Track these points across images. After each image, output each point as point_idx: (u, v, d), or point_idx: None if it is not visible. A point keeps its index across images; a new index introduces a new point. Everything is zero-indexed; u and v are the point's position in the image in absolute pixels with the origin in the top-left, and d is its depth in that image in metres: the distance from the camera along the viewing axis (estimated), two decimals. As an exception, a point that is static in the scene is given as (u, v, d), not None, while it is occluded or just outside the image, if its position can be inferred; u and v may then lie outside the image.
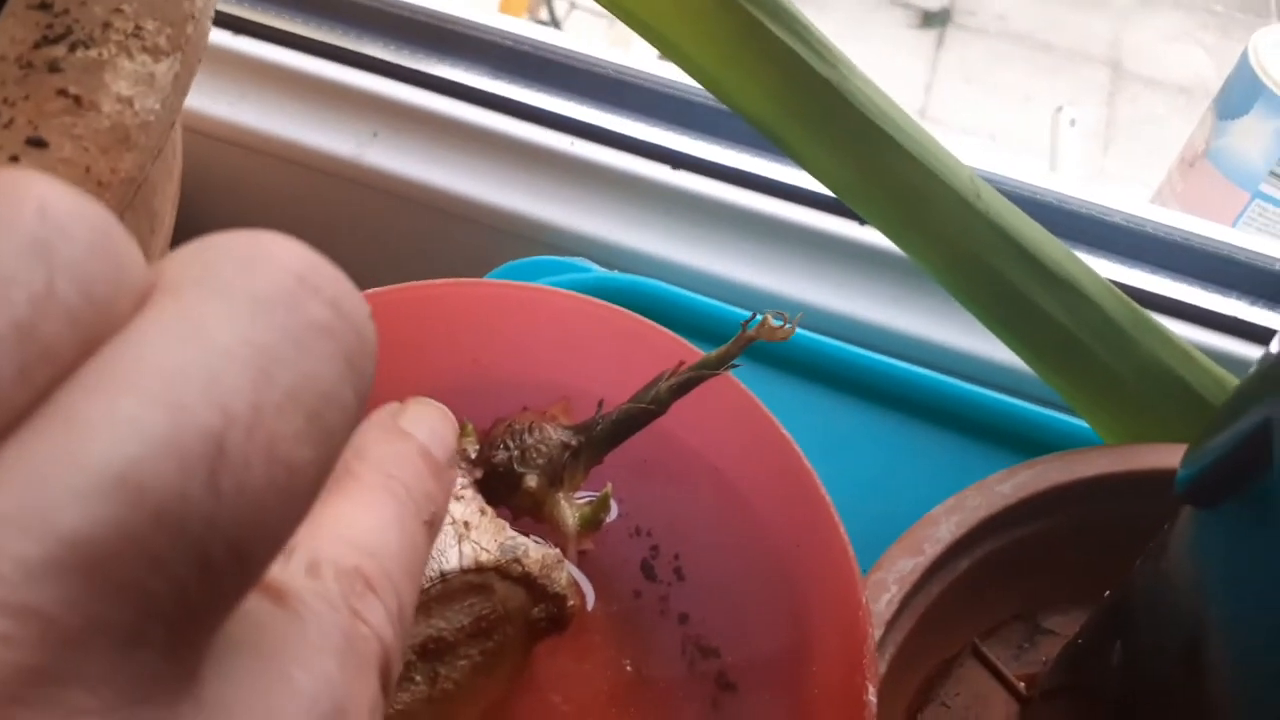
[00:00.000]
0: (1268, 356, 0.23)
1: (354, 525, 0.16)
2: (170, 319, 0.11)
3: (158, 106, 0.23)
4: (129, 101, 0.22)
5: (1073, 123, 1.45)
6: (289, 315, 0.12)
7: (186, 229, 0.37)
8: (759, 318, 0.31)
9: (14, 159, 0.20)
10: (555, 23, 1.38)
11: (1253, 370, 0.24)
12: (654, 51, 0.42)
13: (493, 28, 0.46)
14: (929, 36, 1.76)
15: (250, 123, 0.46)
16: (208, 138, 0.46)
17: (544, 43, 0.46)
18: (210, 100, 0.46)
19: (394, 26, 0.47)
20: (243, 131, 0.46)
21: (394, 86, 0.45)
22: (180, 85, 0.24)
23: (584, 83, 0.45)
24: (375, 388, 0.35)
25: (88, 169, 0.21)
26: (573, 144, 0.44)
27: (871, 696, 0.27)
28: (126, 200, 0.23)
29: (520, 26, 0.47)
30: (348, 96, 0.46)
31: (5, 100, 0.21)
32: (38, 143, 0.21)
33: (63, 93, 0.22)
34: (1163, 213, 0.45)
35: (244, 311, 0.12)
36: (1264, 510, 0.22)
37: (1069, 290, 0.34)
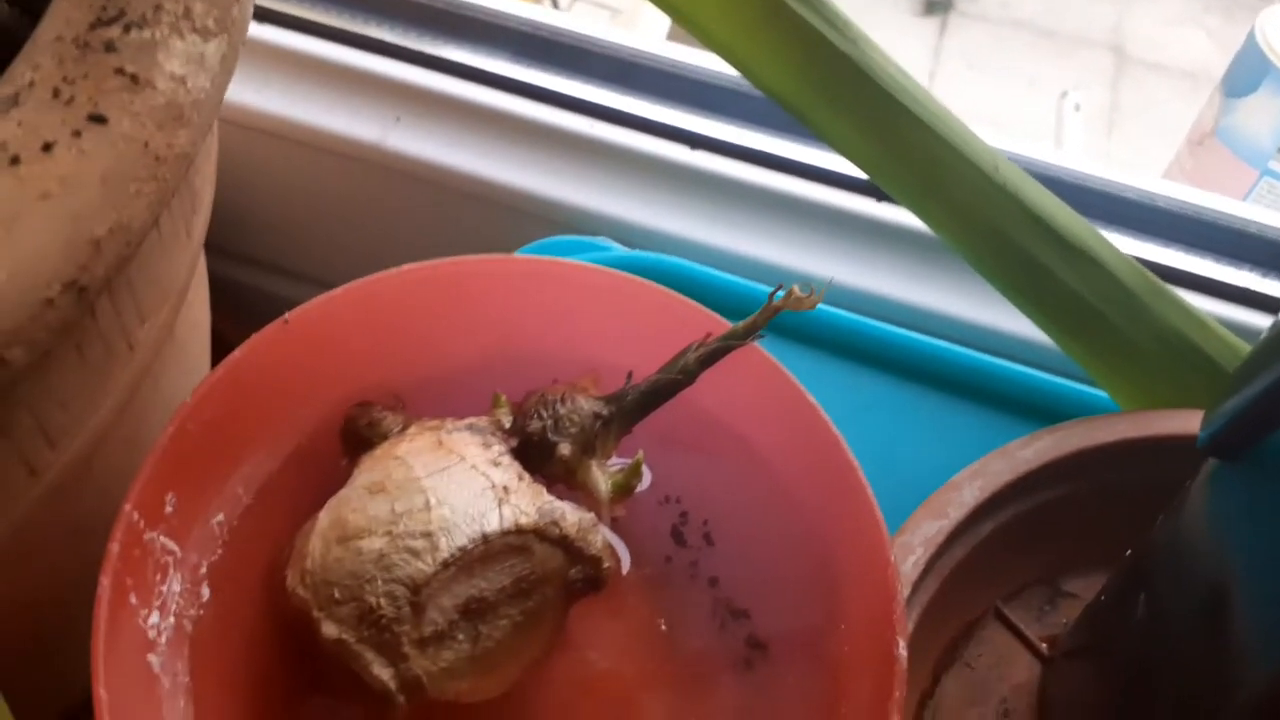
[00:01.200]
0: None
1: None
2: None
3: (208, 85, 0.24)
4: (182, 80, 0.23)
5: (1077, 107, 1.45)
6: None
7: (213, 215, 0.38)
8: (785, 288, 0.31)
9: (77, 134, 0.21)
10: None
11: (1272, 329, 0.25)
12: (662, 34, 0.43)
13: (511, 14, 0.47)
14: (932, 24, 1.76)
15: (275, 109, 0.47)
16: (233, 125, 0.47)
17: (562, 28, 0.47)
18: (235, 87, 0.47)
19: (416, 13, 0.47)
20: (268, 118, 0.47)
21: (417, 72, 0.46)
22: (227, 66, 0.25)
23: (602, 66, 0.46)
24: (413, 361, 0.35)
25: (146, 144, 0.22)
26: (592, 126, 0.45)
27: (902, 650, 0.28)
28: (181, 175, 0.24)
29: (539, 13, 0.47)
30: (371, 82, 0.46)
31: (65, 79, 0.22)
32: (99, 119, 0.22)
33: (120, 71, 0.22)
34: (1175, 187, 0.45)
35: None
36: (1277, 462, 0.23)
37: (1086, 260, 0.34)
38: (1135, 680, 0.29)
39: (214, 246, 0.38)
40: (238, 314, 0.45)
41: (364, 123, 0.46)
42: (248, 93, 0.47)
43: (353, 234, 0.50)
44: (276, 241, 0.52)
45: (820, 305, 0.43)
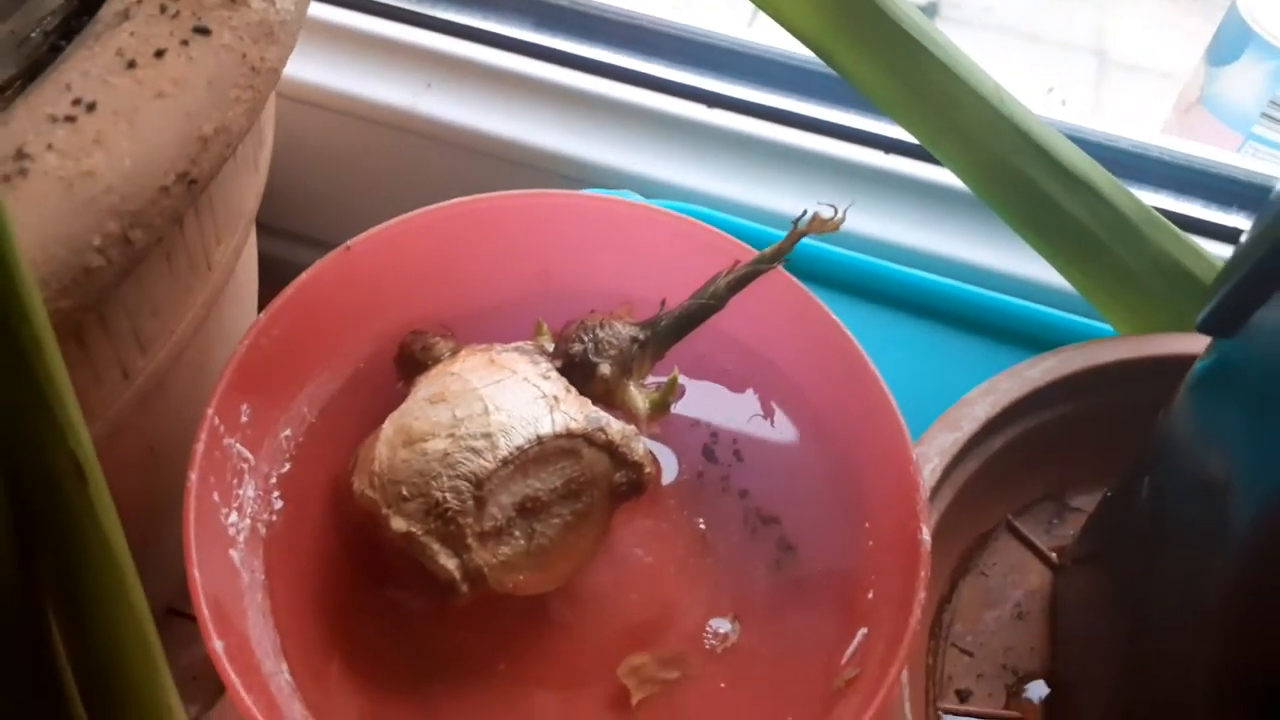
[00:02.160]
0: (1274, 200, 0.26)
1: None
2: None
3: (292, 8, 0.26)
4: (272, 1, 0.25)
5: (1064, 103, 1.49)
6: None
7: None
8: (809, 213, 0.34)
9: (184, 43, 0.24)
10: None
11: (1256, 223, 0.27)
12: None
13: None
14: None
15: (310, 78, 0.49)
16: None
17: (582, -2, 0.49)
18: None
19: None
20: (302, 86, 0.49)
21: (446, 40, 0.49)
22: (305, -6, 0.27)
23: (622, 32, 0.48)
24: (461, 293, 0.37)
25: (244, 55, 0.25)
26: (614, 88, 0.48)
27: (926, 535, 0.30)
28: (270, 89, 0.26)
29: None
30: (402, 51, 0.49)
31: (170, -3, 0.24)
32: (202, 30, 0.24)
33: (218, -10, 0.25)
34: (1169, 139, 0.48)
35: None
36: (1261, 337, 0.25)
37: (1086, 189, 0.37)
38: (1138, 568, 0.32)
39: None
40: (265, 285, 0.47)
41: (396, 89, 0.48)
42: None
43: (383, 200, 0.52)
44: (309, 211, 0.54)
45: (833, 249, 0.45)
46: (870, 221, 0.45)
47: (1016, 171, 0.36)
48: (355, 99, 0.49)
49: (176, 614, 0.45)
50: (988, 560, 0.38)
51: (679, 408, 0.37)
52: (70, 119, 0.22)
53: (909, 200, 0.46)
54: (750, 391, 0.37)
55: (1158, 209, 0.45)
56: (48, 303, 0.20)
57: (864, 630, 0.30)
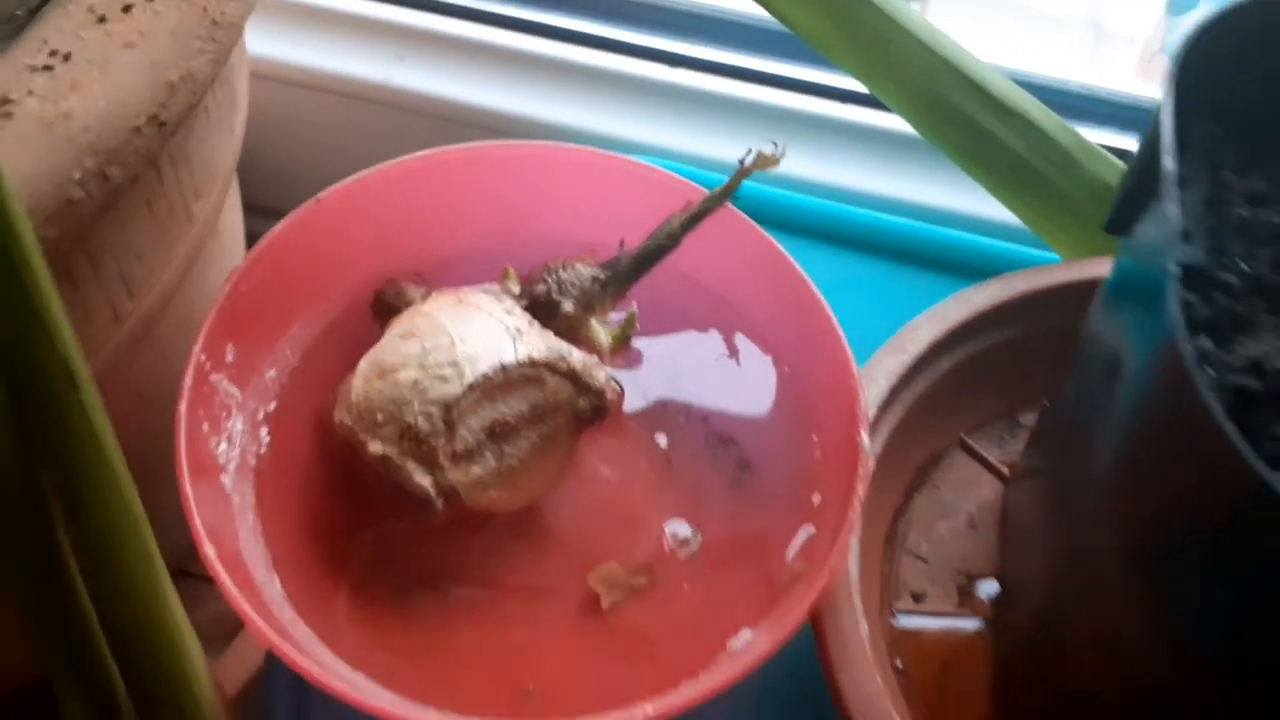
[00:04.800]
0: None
1: None
2: None
3: (252, -32, 0.28)
4: (232, -41, 0.28)
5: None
6: None
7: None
8: (753, 152, 0.36)
9: (151, -1, 0.26)
10: None
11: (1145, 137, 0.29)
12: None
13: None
14: (914, 4, 1.80)
15: (286, 56, 0.51)
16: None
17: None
18: (247, 37, 0.51)
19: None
20: (279, 65, 0.51)
21: (416, 15, 0.51)
22: (265, -44, 0.30)
23: (586, 1, 0.51)
24: (430, 244, 0.39)
25: (205, 9, 0.27)
26: (580, 53, 0.50)
27: (864, 438, 0.32)
28: (232, 43, 0.28)
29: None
30: (375, 26, 0.51)
31: (136, -45, 0.27)
32: (167, -14, 0.26)
33: (181, -49, 0.27)
34: (1144, 86, 0.50)
35: None
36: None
37: (1021, 121, 0.39)
38: (1064, 462, 0.33)
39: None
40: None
41: (369, 63, 0.51)
42: (262, 43, 0.51)
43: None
44: (288, 187, 0.56)
45: (786, 192, 0.47)
46: (822, 167, 0.47)
47: (953, 106, 0.38)
48: (330, 75, 0.51)
49: (181, 573, 0.47)
50: (941, 475, 0.40)
51: (643, 345, 0.39)
52: (48, 68, 0.24)
53: (858, 145, 0.48)
54: (712, 329, 0.39)
55: (1104, 146, 0.47)
56: (35, 230, 0.23)
57: (810, 528, 0.32)
